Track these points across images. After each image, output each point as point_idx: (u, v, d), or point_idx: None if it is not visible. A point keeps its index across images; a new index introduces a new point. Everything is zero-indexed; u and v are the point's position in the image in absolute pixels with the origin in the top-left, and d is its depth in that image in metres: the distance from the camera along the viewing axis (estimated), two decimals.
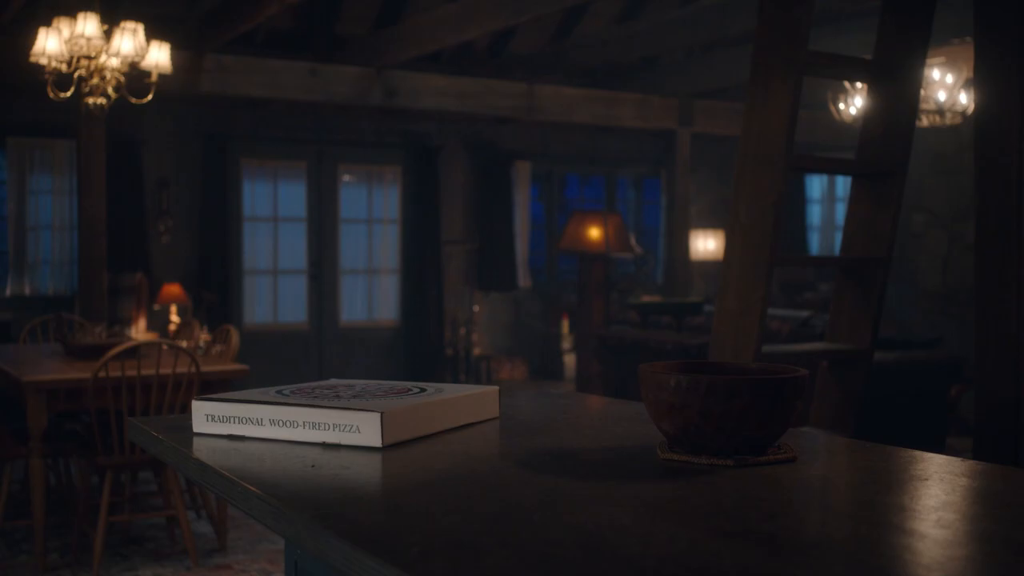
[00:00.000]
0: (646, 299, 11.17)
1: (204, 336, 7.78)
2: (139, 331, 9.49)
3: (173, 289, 9.77)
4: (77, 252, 8.82)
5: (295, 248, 11.47)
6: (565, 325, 11.94)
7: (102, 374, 4.43)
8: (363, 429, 1.61)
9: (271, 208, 11.32)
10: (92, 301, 8.09)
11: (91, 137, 7.79)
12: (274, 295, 11.40)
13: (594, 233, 9.08)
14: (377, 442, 1.60)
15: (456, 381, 11.43)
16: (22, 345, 6.37)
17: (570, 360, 11.50)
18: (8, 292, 9.91)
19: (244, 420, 1.74)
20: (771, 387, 1.45)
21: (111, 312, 9.08)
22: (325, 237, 11.52)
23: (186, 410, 4.66)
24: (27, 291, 9.95)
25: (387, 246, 11.87)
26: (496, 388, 1.91)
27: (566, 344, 11.85)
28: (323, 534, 1.21)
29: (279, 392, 1.83)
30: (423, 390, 1.84)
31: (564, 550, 1.07)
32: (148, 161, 10.26)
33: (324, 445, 1.64)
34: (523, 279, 12.20)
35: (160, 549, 5.07)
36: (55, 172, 10.05)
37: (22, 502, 5.41)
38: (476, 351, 11.73)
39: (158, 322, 9.79)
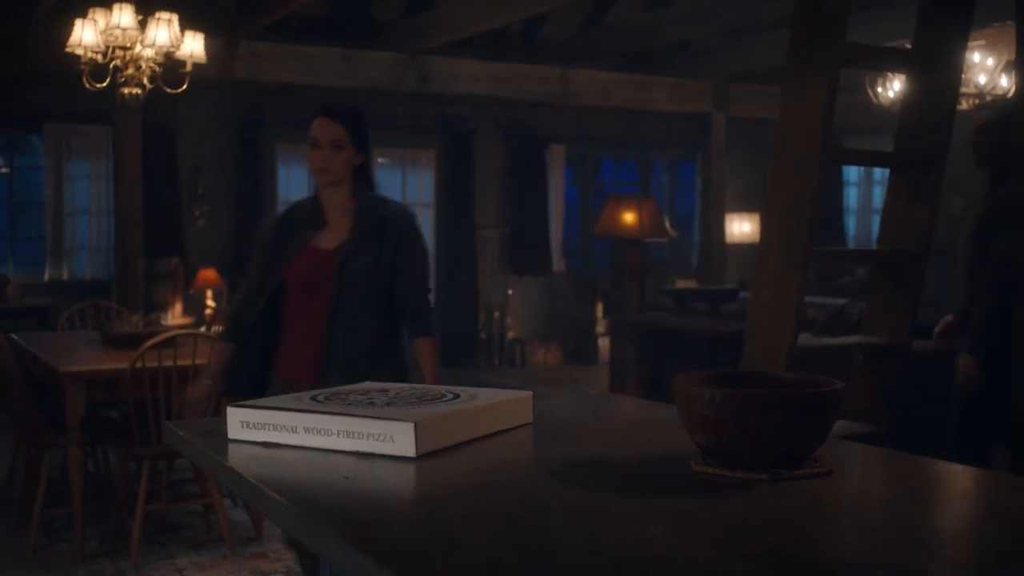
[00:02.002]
0: (681, 284, 11.13)
1: None
2: (175, 316, 9.56)
3: (208, 274, 9.82)
4: (114, 238, 8.89)
5: None
6: (599, 309, 11.91)
7: (139, 364, 4.46)
8: (397, 439, 1.61)
9: (305, 193, 11.29)
10: (128, 288, 8.15)
11: (126, 126, 7.83)
12: None
13: (629, 218, 9.04)
14: (411, 452, 1.60)
15: (490, 365, 11.43)
16: (60, 332, 6.43)
17: (604, 344, 11.46)
18: (46, 277, 10.00)
19: (279, 427, 1.74)
20: (806, 401, 1.44)
21: (147, 297, 9.14)
22: None
23: (222, 400, 4.69)
24: (65, 276, 10.03)
25: (421, 229, 11.86)
26: (529, 394, 1.90)
27: (600, 328, 11.82)
28: (353, 553, 1.21)
29: (314, 399, 1.83)
30: (456, 396, 1.84)
31: (597, 575, 1.06)
32: (183, 147, 10.30)
33: (358, 454, 1.64)
34: (557, 263, 12.17)
35: (197, 537, 5.11)
36: (91, 158, 10.11)
37: (61, 490, 5.46)
38: (510, 335, 11.73)
39: (194, 307, 9.85)
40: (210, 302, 9.15)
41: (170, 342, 4.65)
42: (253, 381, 3.58)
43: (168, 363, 4.51)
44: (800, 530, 1.21)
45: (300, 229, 3.55)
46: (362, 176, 3.57)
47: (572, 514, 1.31)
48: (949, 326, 4.93)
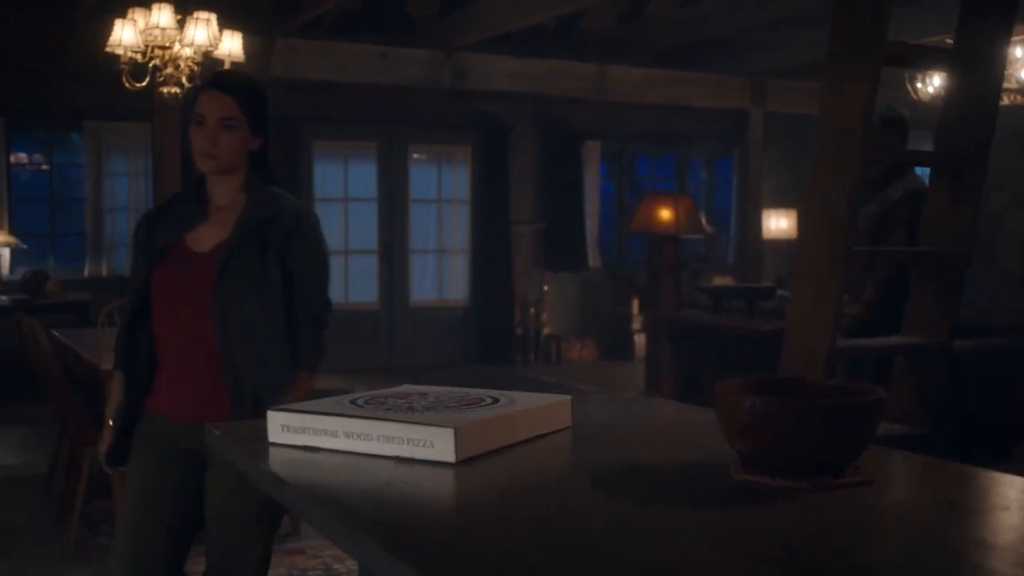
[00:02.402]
0: (717, 281, 11.09)
1: None
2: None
3: None
4: None
5: (365, 228, 11.53)
6: (635, 305, 11.89)
7: None
8: (437, 444, 1.62)
9: (342, 189, 11.39)
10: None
11: (165, 123, 7.89)
12: (345, 275, 11.48)
13: (665, 214, 9.03)
14: (451, 457, 1.60)
15: (526, 362, 11.44)
16: (100, 329, 6.49)
17: (640, 340, 11.44)
18: (86, 273, 10.09)
19: (318, 431, 1.75)
20: (848, 411, 1.43)
21: None
22: (395, 217, 11.57)
23: None
24: (104, 272, 10.13)
25: (457, 226, 11.90)
26: (568, 398, 1.90)
27: (636, 325, 11.80)
28: (391, 559, 1.21)
29: (353, 402, 1.84)
30: (496, 401, 1.84)
31: None
32: None
33: (398, 459, 1.64)
34: (593, 259, 12.15)
35: None
36: (131, 154, 10.19)
37: (102, 484, 5.52)
38: (546, 331, 11.73)
39: None
40: None
41: None
42: (132, 416, 2.99)
43: None
44: (841, 541, 1.21)
45: (176, 226, 2.93)
46: (258, 165, 2.97)
47: (611, 522, 1.31)
48: None
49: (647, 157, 13.27)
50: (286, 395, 2.79)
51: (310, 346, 2.95)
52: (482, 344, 11.70)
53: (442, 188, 11.80)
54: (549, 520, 1.34)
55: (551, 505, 1.41)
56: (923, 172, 4.66)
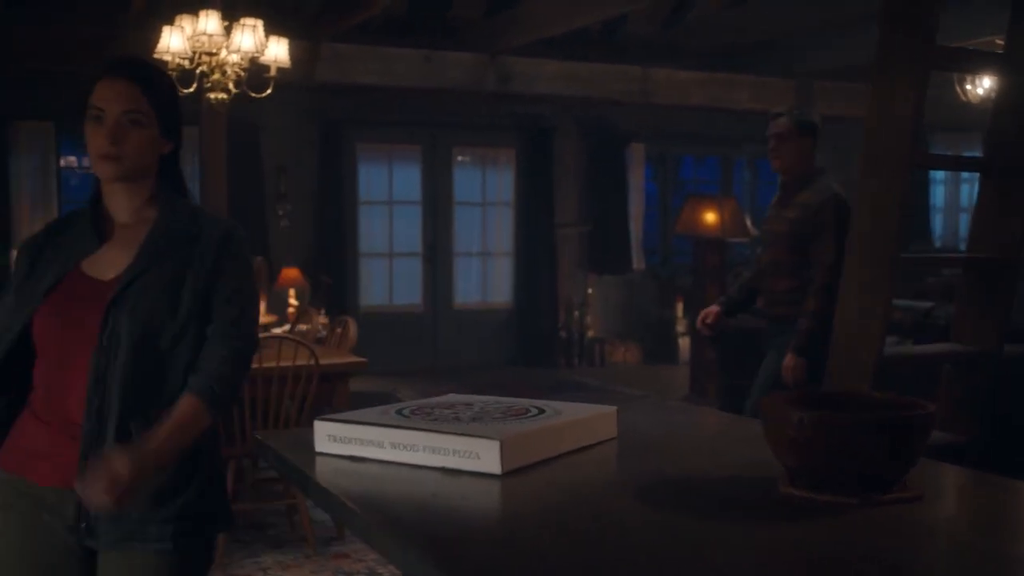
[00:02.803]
0: None
1: (322, 320, 7.91)
2: (259, 313, 9.67)
3: (291, 273, 9.93)
4: None
5: (410, 231, 11.56)
6: (679, 308, 11.84)
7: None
8: (483, 456, 1.62)
9: (386, 191, 11.42)
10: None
11: (212, 128, 7.96)
12: (389, 277, 11.51)
13: (709, 217, 8.99)
14: (496, 469, 1.61)
15: (570, 364, 11.42)
16: None
17: (684, 344, 11.39)
18: None
19: (365, 442, 1.76)
20: (897, 426, 1.42)
21: None
22: (439, 220, 11.59)
23: (306, 402, 4.75)
24: None
25: (501, 228, 11.90)
26: (614, 409, 1.90)
27: (680, 328, 11.74)
28: (435, 571, 1.22)
29: (399, 413, 1.85)
30: (541, 411, 1.84)
31: None
32: (266, 147, 10.43)
33: (444, 470, 1.65)
34: (637, 262, 12.11)
35: (280, 536, 5.18)
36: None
37: None
38: (590, 334, 11.70)
39: (277, 305, 9.97)
40: (292, 300, 9.24)
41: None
42: None
43: (253, 365, 4.56)
44: (890, 559, 1.20)
45: (67, 250, 2.32)
46: (169, 174, 2.39)
47: (657, 536, 1.31)
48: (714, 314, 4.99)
49: (691, 159, 13.21)
50: (166, 416, 2.18)
51: (219, 369, 2.23)
52: (526, 347, 11.70)
53: (486, 190, 11.81)
54: (594, 533, 1.34)
55: (596, 518, 1.41)
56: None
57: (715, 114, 11.66)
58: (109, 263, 2.29)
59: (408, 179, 11.43)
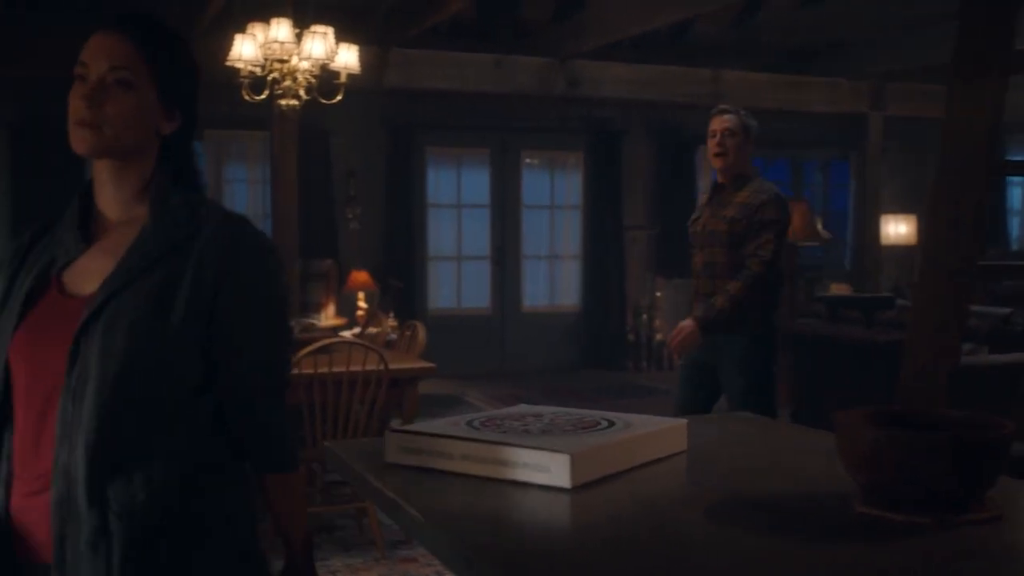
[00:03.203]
0: (835, 288, 10.87)
1: (391, 323, 7.96)
2: (328, 317, 9.77)
3: (361, 276, 10.01)
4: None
5: (478, 234, 11.60)
6: None
7: (295, 371, 4.57)
8: (553, 469, 1.62)
9: (455, 195, 11.48)
10: (287, 283, 8.37)
11: (284, 133, 8.05)
12: (457, 281, 11.57)
13: None
14: (566, 483, 1.60)
15: (638, 367, 11.38)
16: None
17: None
18: None
19: (435, 453, 1.76)
20: (975, 445, 1.39)
21: (302, 297, 9.37)
22: (508, 223, 11.62)
23: (375, 407, 4.78)
24: None
25: (569, 231, 11.90)
26: (684, 422, 1.89)
27: None
28: None
29: (469, 424, 1.85)
30: (612, 424, 1.83)
31: None
32: (336, 150, 10.53)
33: (514, 483, 1.65)
34: None
35: (349, 539, 5.22)
36: (249, 162, 10.44)
37: None
38: (657, 337, 11.65)
39: (347, 308, 10.05)
40: (362, 303, 9.31)
41: (325, 349, 4.75)
42: None
43: (324, 370, 4.61)
44: None
45: (47, 258, 1.88)
46: (176, 161, 1.90)
47: (728, 554, 1.30)
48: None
49: (761, 161, 13.09)
50: (275, 502, 1.93)
51: (274, 431, 1.87)
52: (593, 350, 11.68)
53: (555, 194, 11.81)
54: (664, 551, 1.33)
55: (667, 535, 1.40)
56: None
57: (786, 116, 11.56)
58: (91, 274, 1.81)
59: (477, 182, 11.47)
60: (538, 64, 9.24)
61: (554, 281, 11.90)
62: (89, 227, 1.87)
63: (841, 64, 10.90)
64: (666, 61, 10.24)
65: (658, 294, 11.86)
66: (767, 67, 10.71)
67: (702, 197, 5.00)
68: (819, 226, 10.07)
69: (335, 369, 4.65)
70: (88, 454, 1.70)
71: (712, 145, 4.72)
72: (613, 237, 11.66)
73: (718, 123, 4.74)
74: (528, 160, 11.68)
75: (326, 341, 4.89)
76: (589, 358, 11.65)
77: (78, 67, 1.80)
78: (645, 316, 11.58)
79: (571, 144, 11.65)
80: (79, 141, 1.78)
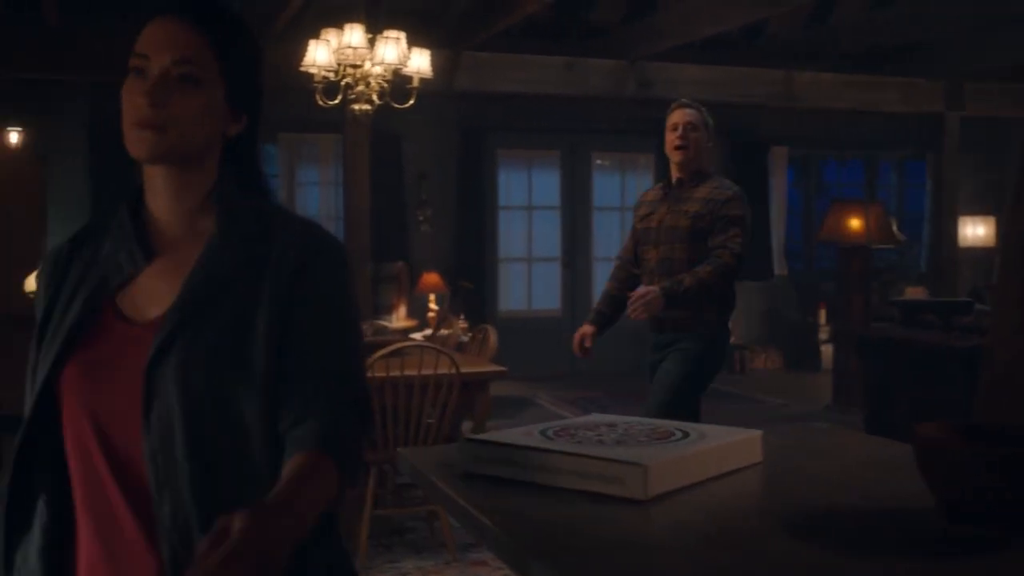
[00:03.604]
0: (910, 291, 10.73)
1: (462, 325, 7.99)
2: (400, 318, 9.83)
3: (432, 278, 10.06)
4: (343, 241, 9.21)
5: (548, 236, 11.60)
6: (822, 315, 11.61)
7: (368, 375, 4.60)
8: (627, 481, 1.61)
9: (525, 197, 11.49)
10: (358, 290, 8.44)
11: (356, 136, 8.14)
12: (528, 282, 11.58)
13: (854, 223, 8.78)
14: (641, 495, 1.60)
15: None
16: None
17: (827, 351, 11.17)
18: None
19: (509, 463, 1.77)
20: None
21: (374, 299, 9.44)
22: (578, 225, 11.60)
23: (446, 410, 4.79)
24: None
25: None
26: (759, 434, 1.87)
27: (823, 335, 11.52)
28: None
29: (543, 434, 1.85)
30: (686, 435, 1.82)
31: None
32: (408, 153, 10.60)
33: (587, 494, 1.65)
34: (779, 267, 11.94)
35: (420, 542, 5.25)
36: (321, 165, 10.55)
37: None
38: (730, 340, 11.56)
39: (417, 309, 10.11)
40: (432, 306, 9.37)
41: (397, 352, 4.78)
42: None
43: (395, 373, 4.64)
44: None
45: (103, 268, 1.60)
46: (238, 161, 1.67)
47: (806, 571, 1.28)
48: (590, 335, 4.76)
49: (835, 162, 12.96)
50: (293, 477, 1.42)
51: (332, 420, 1.51)
52: None
53: (625, 195, 11.77)
54: (739, 567, 1.32)
55: (743, 551, 1.39)
56: None
57: (859, 116, 11.42)
58: (154, 296, 1.56)
59: (547, 184, 11.47)
60: (609, 66, 9.21)
61: None
62: (146, 239, 1.60)
63: (915, 64, 10.73)
64: (738, 62, 10.16)
65: None
66: (840, 68, 10.57)
67: (649, 193, 4.86)
68: (894, 227, 9.93)
69: (407, 372, 4.68)
70: (198, 504, 1.46)
71: (674, 138, 4.63)
72: None
73: (680, 116, 4.66)
74: (599, 161, 11.66)
75: (398, 345, 4.92)
76: None
77: (135, 59, 1.53)
78: None
79: (642, 145, 11.61)
80: (138, 144, 1.53)
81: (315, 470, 1.43)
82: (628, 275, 4.85)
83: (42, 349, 1.57)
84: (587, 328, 4.77)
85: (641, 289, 4.44)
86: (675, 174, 4.68)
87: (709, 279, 4.36)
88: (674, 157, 4.64)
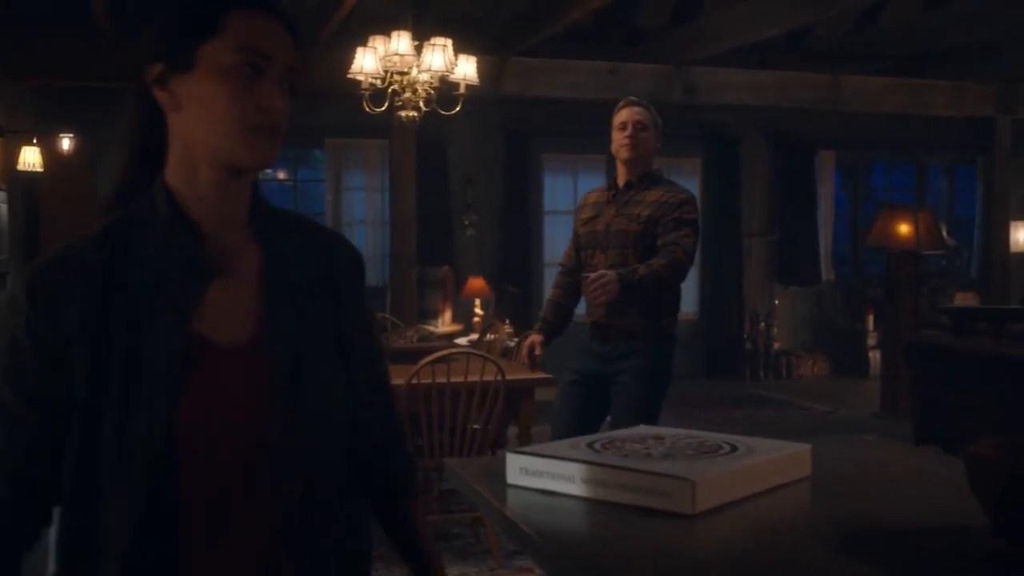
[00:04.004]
0: (960, 299, 10.60)
1: (507, 330, 7.99)
2: (445, 323, 9.85)
3: (477, 283, 10.07)
4: (389, 246, 9.26)
5: None
6: (870, 321, 11.51)
7: (415, 381, 4.62)
8: (674, 496, 1.61)
9: (571, 202, 11.45)
10: (403, 295, 8.50)
11: (402, 143, 8.18)
12: None
13: (903, 229, 8.70)
14: (688, 509, 1.59)
15: (755, 377, 11.23)
16: None
17: (875, 357, 11.08)
18: None
19: (556, 476, 1.77)
20: None
21: (419, 303, 9.47)
22: None
23: (492, 416, 4.80)
24: None
25: None
26: (807, 448, 1.86)
27: (871, 341, 11.42)
28: None
29: (590, 446, 1.85)
30: (734, 449, 1.81)
31: None
32: (454, 158, 10.63)
33: (634, 508, 1.64)
34: (826, 272, 11.85)
35: (466, 548, 5.26)
36: (367, 170, 10.60)
37: None
38: (776, 346, 11.50)
39: (463, 314, 10.13)
40: (478, 310, 9.38)
41: (443, 359, 4.79)
42: None
43: (442, 379, 4.65)
44: None
45: (170, 285, 1.41)
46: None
47: None
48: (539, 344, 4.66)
49: (883, 166, 12.84)
50: (415, 526, 1.73)
51: (404, 449, 1.69)
52: (710, 358, 11.57)
53: None
54: None
55: (789, 566, 1.39)
56: None
57: (909, 120, 11.32)
58: (230, 314, 1.45)
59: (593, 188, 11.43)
60: (654, 71, 9.19)
61: None
62: (198, 240, 1.45)
63: (964, 67, 10.61)
64: (785, 66, 10.10)
65: (776, 302, 11.70)
66: (887, 71, 10.48)
67: (592, 195, 4.65)
68: (944, 233, 9.84)
69: (453, 380, 4.69)
70: (306, 506, 1.43)
71: (622, 137, 4.44)
72: (731, 244, 11.54)
73: (629, 115, 4.44)
74: None
75: (445, 352, 4.93)
76: (706, 366, 11.55)
77: (252, 56, 1.40)
78: (763, 324, 11.42)
79: (688, 150, 11.57)
80: (259, 150, 1.41)
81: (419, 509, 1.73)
82: (572, 282, 4.67)
83: (115, 376, 1.35)
84: (536, 337, 4.66)
85: (595, 273, 4.21)
86: (623, 175, 4.50)
87: (663, 272, 4.19)
88: (621, 156, 4.45)
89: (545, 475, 1.79)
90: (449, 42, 5.62)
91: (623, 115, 4.47)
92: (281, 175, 10.98)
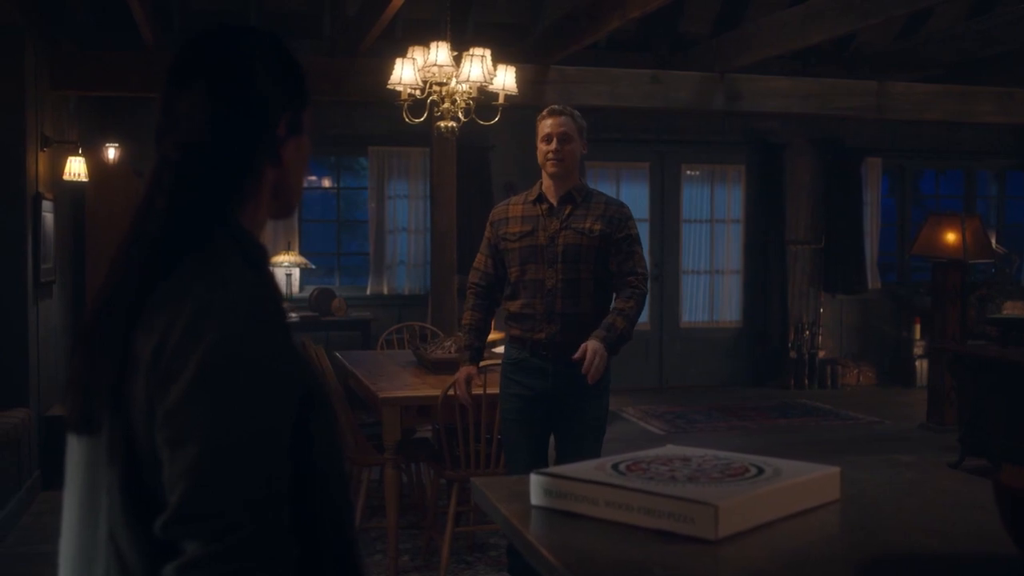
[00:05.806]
0: (1008, 308, 10.44)
1: None
2: (497, 332, 9.84)
3: None
4: (430, 255, 9.27)
5: None
6: (917, 330, 11.36)
7: (451, 393, 4.61)
8: (697, 521, 1.59)
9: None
10: (443, 303, 8.50)
11: (442, 152, 8.18)
12: None
13: (950, 237, 8.57)
14: (711, 535, 1.57)
15: (800, 385, 11.12)
16: (379, 352, 6.76)
17: (922, 366, 10.94)
18: (368, 291, 10.54)
19: (580, 498, 1.75)
20: None
21: (460, 311, 9.47)
22: (667, 237, 11.51)
23: None
24: (385, 290, 10.55)
25: (730, 246, 11.71)
26: (837, 470, 1.82)
27: (918, 350, 11.27)
28: None
29: (615, 468, 1.83)
30: (760, 471, 1.78)
31: None
32: (495, 164, 10.61)
33: (657, 532, 1.62)
34: (872, 280, 11.71)
35: (501, 558, 5.23)
36: (410, 178, 10.61)
37: (377, 504, 5.76)
38: (821, 354, 11.37)
39: (503, 323, 10.11)
40: None
41: (481, 370, 4.77)
42: None
43: (478, 391, 4.63)
44: None
45: None
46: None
47: None
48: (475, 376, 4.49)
49: (931, 173, 12.68)
50: None
51: None
52: (754, 367, 11.48)
53: (715, 207, 11.66)
54: None
55: None
56: None
57: (957, 126, 11.18)
58: None
59: (636, 196, 11.38)
60: (696, 78, 9.12)
61: (714, 296, 11.74)
62: None
63: (1012, 74, 10.46)
64: (829, 73, 10.00)
65: (822, 310, 11.58)
66: (933, 78, 10.35)
67: (516, 208, 4.44)
68: (992, 241, 9.69)
69: (490, 391, 4.67)
70: None
71: (547, 151, 4.26)
72: (775, 251, 11.45)
73: (553, 126, 4.26)
74: (689, 172, 11.56)
75: (482, 363, 4.91)
76: (749, 375, 11.47)
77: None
78: (808, 333, 11.31)
79: (732, 157, 11.50)
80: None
81: None
82: (492, 302, 4.53)
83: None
84: (470, 369, 4.45)
85: (584, 351, 4.03)
86: (553, 188, 4.33)
87: (635, 313, 4.17)
88: (548, 170, 4.29)
89: (569, 497, 1.77)
90: (488, 52, 5.61)
91: (546, 126, 4.29)
92: (326, 183, 11.01)
